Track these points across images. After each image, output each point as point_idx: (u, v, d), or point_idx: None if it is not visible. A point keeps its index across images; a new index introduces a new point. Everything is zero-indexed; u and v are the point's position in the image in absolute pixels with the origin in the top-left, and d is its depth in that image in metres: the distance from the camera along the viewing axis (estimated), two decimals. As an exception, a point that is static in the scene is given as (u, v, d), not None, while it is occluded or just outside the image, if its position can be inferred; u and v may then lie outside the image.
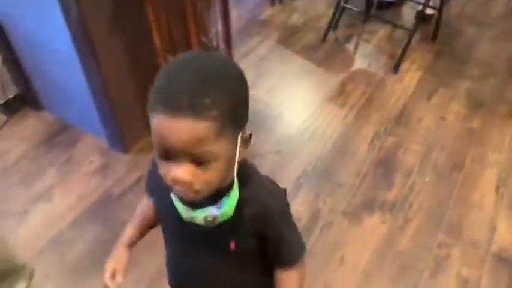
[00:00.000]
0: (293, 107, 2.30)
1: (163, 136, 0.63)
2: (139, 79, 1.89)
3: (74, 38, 1.62)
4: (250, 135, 0.72)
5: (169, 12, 1.70)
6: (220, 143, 0.64)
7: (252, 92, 0.72)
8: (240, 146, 0.69)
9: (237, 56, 2.53)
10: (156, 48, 1.79)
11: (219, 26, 1.95)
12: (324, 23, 2.77)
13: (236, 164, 0.70)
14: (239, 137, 0.68)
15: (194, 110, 0.60)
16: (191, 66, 0.66)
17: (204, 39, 1.94)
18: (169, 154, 0.64)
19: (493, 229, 1.73)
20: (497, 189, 1.88)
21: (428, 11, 2.69)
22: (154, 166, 0.73)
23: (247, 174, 0.76)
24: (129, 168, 1.94)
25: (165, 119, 0.61)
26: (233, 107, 0.64)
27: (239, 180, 0.73)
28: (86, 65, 1.71)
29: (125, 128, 1.96)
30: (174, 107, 0.61)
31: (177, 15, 1.69)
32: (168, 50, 1.81)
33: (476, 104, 2.27)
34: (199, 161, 0.64)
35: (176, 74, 0.65)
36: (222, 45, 1.96)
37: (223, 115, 0.62)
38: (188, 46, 1.75)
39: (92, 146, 2.03)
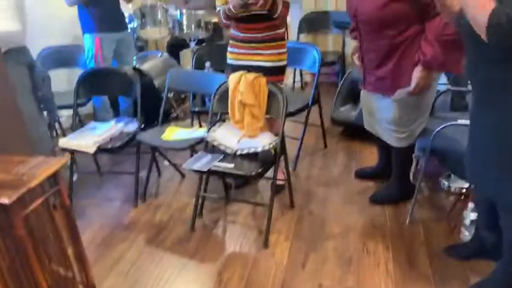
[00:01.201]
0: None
1: None
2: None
3: None
4: None
5: (8, 256, 1.56)
6: None
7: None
8: None
9: (104, 267, 2.39)
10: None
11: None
12: (189, 213, 2.82)
13: None
14: None
15: None
16: None
17: (55, 268, 1.80)
18: None
19: None
20: None
21: (280, 181, 2.95)
22: None
23: None
24: None
25: None
26: None
27: None
28: None
29: None
30: None
31: (19, 257, 1.56)
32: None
33: (345, 262, 2.38)
34: None
35: None
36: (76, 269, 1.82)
37: None
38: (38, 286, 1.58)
39: None
